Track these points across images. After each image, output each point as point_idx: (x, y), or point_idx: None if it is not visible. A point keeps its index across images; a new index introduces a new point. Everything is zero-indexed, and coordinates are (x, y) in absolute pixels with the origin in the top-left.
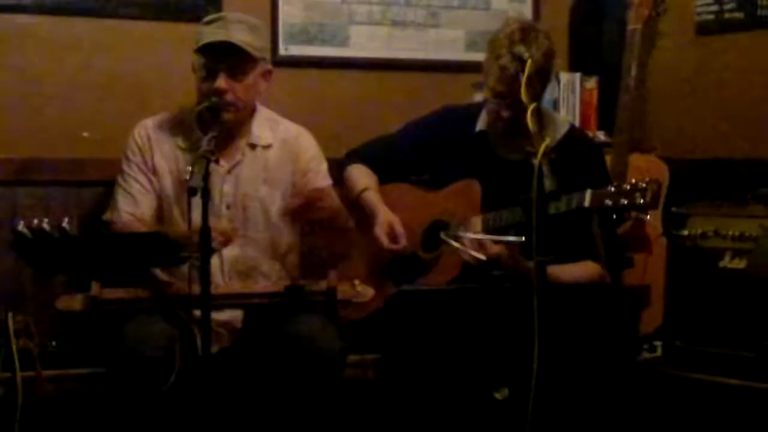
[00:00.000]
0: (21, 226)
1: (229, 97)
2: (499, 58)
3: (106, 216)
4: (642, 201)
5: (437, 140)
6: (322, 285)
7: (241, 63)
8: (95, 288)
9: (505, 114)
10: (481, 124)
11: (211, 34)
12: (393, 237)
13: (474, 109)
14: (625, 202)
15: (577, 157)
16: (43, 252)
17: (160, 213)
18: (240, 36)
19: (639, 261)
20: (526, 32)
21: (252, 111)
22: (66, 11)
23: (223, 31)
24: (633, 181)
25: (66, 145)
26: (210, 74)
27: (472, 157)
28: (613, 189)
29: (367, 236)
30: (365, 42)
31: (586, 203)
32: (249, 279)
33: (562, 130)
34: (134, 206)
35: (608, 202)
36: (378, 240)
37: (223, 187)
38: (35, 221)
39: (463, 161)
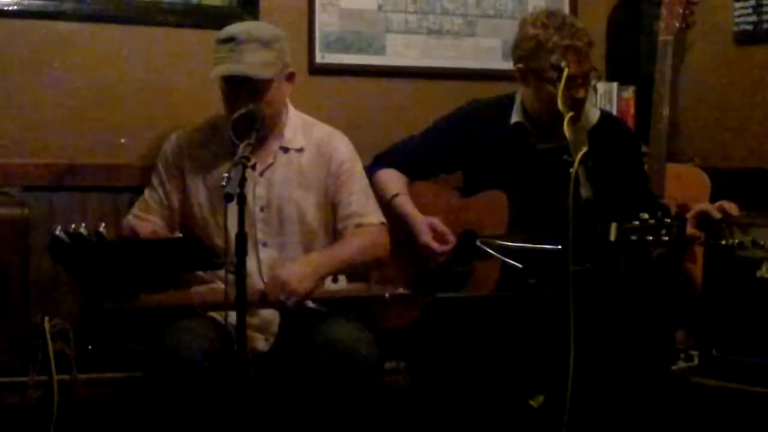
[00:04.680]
0: (58, 231)
1: (257, 114)
2: (573, 41)
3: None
4: (667, 238)
5: (470, 135)
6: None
7: (259, 85)
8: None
9: (582, 94)
10: (516, 116)
11: (224, 60)
12: (439, 238)
13: (505, 102)
14: (650, 238)
15: (613, 140)
16: (80, 256)
17: (192, 219)
18: (253, 59)
19: None
20: (569, 17)
21: (280, 114)
22: (104, 19)
23: (235, 55)
24: (659, 214)
25: (103, 151)
26: (231, 96)
27: (507, 150)
28: (638, 223)
29: (400, 245)
30: (402, 50)
31: (611, 237)
32: None
33: (594, 116)
34: (144, 210)
35: (633, 237)
36: (428, 248)
37: (256, 190)
38: (72, 226)
39: (498, 154)
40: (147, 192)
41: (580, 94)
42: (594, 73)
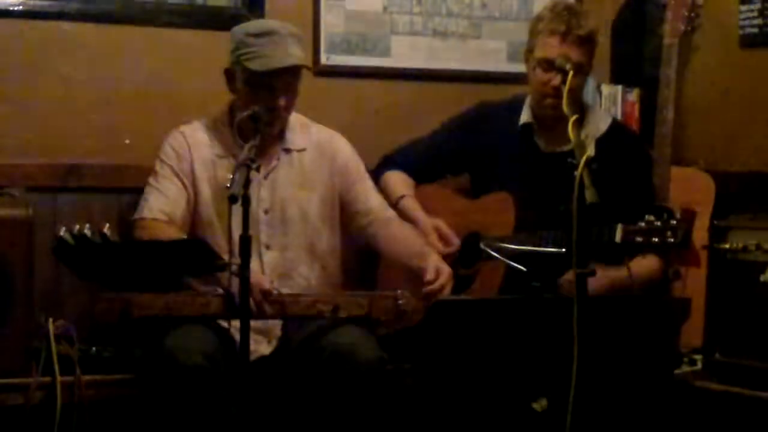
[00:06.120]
0: (62, 232)
1: (282, 113)
2: (558, 25)
3: (135, 214)
4: (673, 240)
5: (478, 136)
6: (364, 304)
7: (297, 80)
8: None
9: (557, 82)
10: (525, 117)
11: (272, 54)
12: (444, 240)
13: (514, 104)
14: (656, 240)
15: (621, 152)
16: (85, 258)
17: (198, 218)
18: (297, 52)
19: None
20: (573, 8)
21: None
22: (109, 19)
23: (282, 50)
24: (665, 216)
25: (107, 152)
26: (266, 91)
27: (515, 151)
28: (644, 225)
29: None
30: (407, 52)
31: (617, 238)
32: (288, 282)
33: (605, 123)
34: (166, 205)
35: (639, 239)
36: (432, 247)
37: (260, 193)
38: (77, 227)
39: (506, 156)
40: (163, 185)
41: (554, 81)
42: (581, 67)
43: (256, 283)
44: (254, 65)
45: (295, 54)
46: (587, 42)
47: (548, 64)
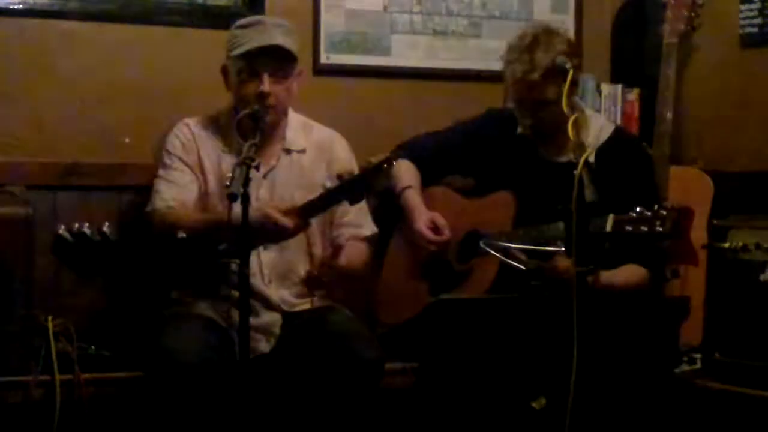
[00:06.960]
0: (62, 230)
1: (271, 100)
2: (525, 76)
3: (148, 207)
4: (661, 229)
5: (483, 142)
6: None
7: (284, 65)
8: None
9: (527, 122)
10: (522, 128)
11: (254, 38)
12: (436, 230)
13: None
14: (645, 229)
15: (623, 160)
16: (84, 256)
17: (206, 209)
18: (281, 39)
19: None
20: (537, 38)
21: (285, 114)
22: (109, 18)
23: (265, 35)
24: (655, 207)
25: (107, 150)
26: (253, 77)
27: (515, 159)
28: (634, 215)
29: (405, 235)
30: (406, 51)
31: (608, 228)
32: (286, 281)
33: (607, 131)
34: (179, 193)
35: (628, 228)
36: (421, 235)
37: (259, 192)
38: (76, 225)
39: (507, 163)
40: (172, 175)
41: (526, 121)
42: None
43: (262, 212)
44: (237, 51)
45: (278, 39)
46: (545, 82)
47: (520, 103)
